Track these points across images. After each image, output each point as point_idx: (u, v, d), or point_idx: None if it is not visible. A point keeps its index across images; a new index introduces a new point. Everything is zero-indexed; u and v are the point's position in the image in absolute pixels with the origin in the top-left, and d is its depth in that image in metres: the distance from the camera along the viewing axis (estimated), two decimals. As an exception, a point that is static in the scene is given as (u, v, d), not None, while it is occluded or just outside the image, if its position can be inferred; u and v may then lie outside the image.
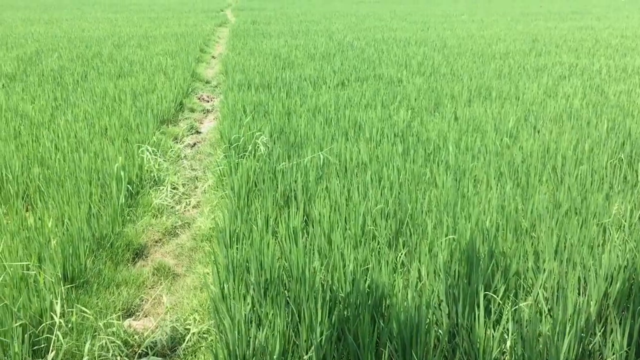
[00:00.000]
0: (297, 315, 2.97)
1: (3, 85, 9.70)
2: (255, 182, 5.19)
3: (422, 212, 4.40)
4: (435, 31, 21.65)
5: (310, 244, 3.78)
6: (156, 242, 4.73)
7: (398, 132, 6.86)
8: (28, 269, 3.55)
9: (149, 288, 4.00)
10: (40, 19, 26.84)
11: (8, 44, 15.79)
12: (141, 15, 30.16)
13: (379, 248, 3.88)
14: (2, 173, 5.34)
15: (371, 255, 3.68)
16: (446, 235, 3.89)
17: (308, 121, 7.34)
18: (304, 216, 4.42)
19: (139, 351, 3.12)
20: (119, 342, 3.11)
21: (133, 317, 3.59)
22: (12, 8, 38.65)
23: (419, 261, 3.65)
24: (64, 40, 16.88)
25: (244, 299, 3.05)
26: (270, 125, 6.97)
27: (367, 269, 3.54)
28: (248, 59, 13.38)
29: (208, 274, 4.06)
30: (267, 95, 9.04)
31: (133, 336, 3.25)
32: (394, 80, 10.67)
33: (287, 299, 3.09)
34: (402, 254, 3.79)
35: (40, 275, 3.24)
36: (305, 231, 4.22)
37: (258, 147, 6.10)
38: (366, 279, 3.32)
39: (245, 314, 2.87)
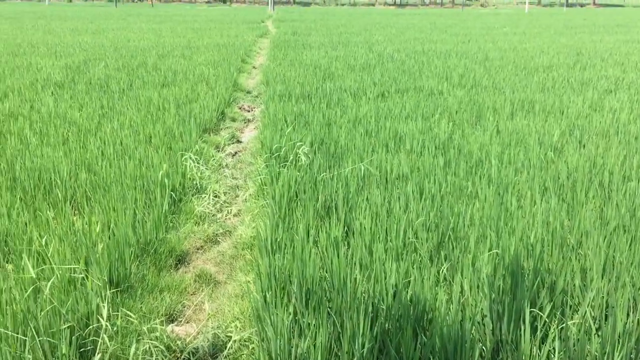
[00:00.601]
0: (339, 326, 2.97)
1: (52, 92, 10.01)
2: (296, 192, 5.21)
3: (464, 225, 4.35)
4: (476, 44, 21.47)
5: (352, 255, 3.78)
6: (198, 249, 4.79)
7: (439, 145, 6.81)
8: (75, 272, 3.64)
9: (191, 294, 4.05)
10: (88, 29, 27.64)
11: (57, 53, 16.31)
12: (184, 26, 30.78)
13: (421, 261, 3.85)
14: (51, 177, 5.49)
15: (413, 268, 3.65)
16: (489, 250, 3.84)
17: (348, 132, 7.35)
18: (344, 227, 4.42)
19: (182, 357, 3.16)
20: (162, 347, 3.15)
21: (175, 323, 3.64)
22: (61, 18, 39.90)
23: (462, 275, 3.61)
24: (111, 50, 17.34)
25: (286, 308, 3.06)
26: (311, 135, 7.01)
27: (409, 281, 3.51)
28: (288, 69, 13.51)
29: (249, 282, 4.09)
30: (307, 106, 9.10)
31: (175, 341, 3.29)
32: (435, 92, 10.61)
33: (329, 309, 3.09)
34: (444, 268, 3.75)
35: (87, 278, 3.32)
36: (346, 242, 4.22)
37: (299, 157, 6.14)
38: (407, 291, 3.30)
39: (287, 324, 2.87)
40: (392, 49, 18.85)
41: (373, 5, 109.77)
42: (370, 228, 4.16)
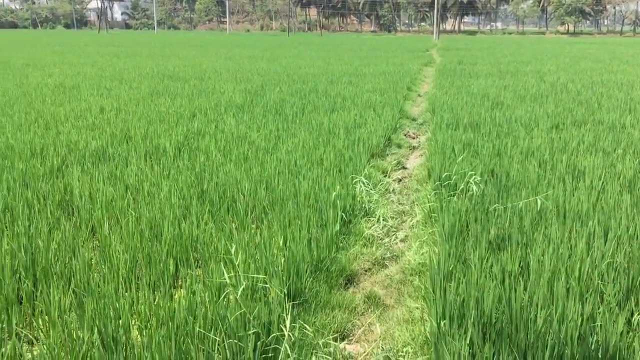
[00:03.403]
0: (520, 363, 2.85)
1: (234, 114, 10.84)
2: (467, 222, 5.11)
3: (658, 272, 3.96)
4: (664, 74, 19.61)
5: (532, 291, 3.61)
6: (366, 271, 4.88)
7: (624, 182, 6.30)
8: (258, 282, 3.88)
9: (360, 315, 4.12)
10: (263, 56, 29.63)
11: (237, 78, 17.68)
12: (351, 54, 31.78)
13: (608, 304, 3.57)
14: (233, 192, 5.94)
15: (598, 311, 3.40)
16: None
17: (520, 164, 7.08)
18: (520, 261, 4.24)
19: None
20: (335, 363, 3.24)
21: (346, 341, 3.72)
22: (239, 46, 43.22)
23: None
24: (284, 76, 18.42)
25: (463, 339, 3.00)
26: (481, 165, 6.85)
27: (594, 326, 3.27)
28: (455, 98, 13.36)
29: (417, 308, 4.07)
30: (476, 135, 8.92)
31: (348, 359, 3.37)
32: (617, 125, 9.85)
33: (511, 345, 2.97)
34: (638, 315, 3.44)
35: (271, 289, 3.53)
36: (521, 277, 4.04)
37: (469, 186, 6.02)
38: (594, 335, 3.07)
39: (464, 355, 2.82)
40: (565, 79, 17.86)
41: (543, 33, 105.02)
42: (550, 265, 3.95)
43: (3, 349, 3.25)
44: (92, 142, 8.12)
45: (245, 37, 75.39)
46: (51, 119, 10.20)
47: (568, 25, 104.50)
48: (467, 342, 2.98)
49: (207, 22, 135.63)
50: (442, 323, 3.24)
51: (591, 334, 3.09)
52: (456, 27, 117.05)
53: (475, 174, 6.28)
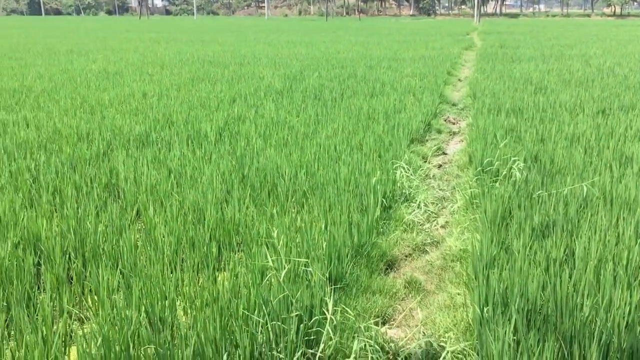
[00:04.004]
0: (566, 351, 2.81)
1: (273, 99, 10.89)
2: (509, 208, 5.04)
3: None
4: None
5: (577, 279, 3.55)
6: (406, 256, 4.87)
7: (676, 169, 6.10)
8: (299, 266, 3.92)
9: (401, 300, 4.12)
10: (302, 41, 29.60)
11: (276, 63, 17.73)
12: (390, 39, 31.47)
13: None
14: (274, 177, 5.98)
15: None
16: None
17: (565, 149, 6.92)
18: (564, 248, 4.17)
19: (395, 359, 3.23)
20: (377, 347, 3.26)
21: (387, 325, 3.73)
22: (278, 31, 43.26)
23: None
24: (323, 61, 18.38)
25: (507, 326, 2.97)
26: (525, 151, 6.73)
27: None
28: (497, 82, 13.11)
29: (459, 294, 4.05)
30: (518, 120, 8.75)
31: (389, 343, 3.38)
32: (668, 110, 9.52)
33: (556, 333, 2.94)
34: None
35: (314, 273, 3.56)
36: (566, 264, 3.97)
37: (512, 172, 5.93)
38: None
39: (509, 342, 2.80)
40: (612, 62, 17.32)
41: (588, 16, 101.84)
42: (596, 253, 3.87)
43: (55, 327, 3.37)
44: (135, 126, 8.28)
45: (284, 22, 75.40)
46: (96, 104, 10.43)
47: (614, 7, 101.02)
48: (512, 328, 2.95)
49: (245, 8, 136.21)
50: (485, 309, 3.22)
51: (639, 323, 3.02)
52: (497, 10, 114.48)
53: (518, 160, 6.18)
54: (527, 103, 10.23)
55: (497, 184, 5.78)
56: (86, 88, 12.58)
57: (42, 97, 11.27)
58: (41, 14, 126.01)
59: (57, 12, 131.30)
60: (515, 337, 2.98)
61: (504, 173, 5.98)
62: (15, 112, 9.62)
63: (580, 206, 5.05)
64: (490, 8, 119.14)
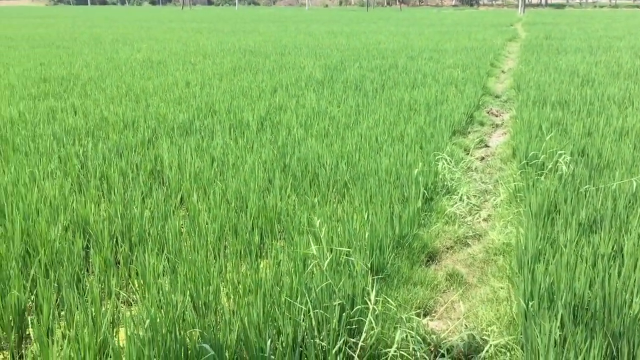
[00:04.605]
0: (614, 349, 2.75)
1: (314, 89, 10.90)
2: (555, 202, 4.94)
3: None
4: None
5: (627, 275, 3.46)
6: (448, 248, 4.83)
7: None
8: (341, 255, 3.93)
9: (442, 292, 4.10)
10: (342, 31, 29.50)
11: (317, 54, 17.72)
12: (431, 30, 31.09)
13: None
14: (315, 166, 6.00)
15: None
16: None
17: (614, 143, 6.74)
18: (613, 244, 4.07)
19: (442, 351, 3.22)
20: (418, 338, 3.25)
21: (428, 317, 3.72)
22: (318, 22, 43.17)
23: None
24: (363, 52, 18.29)
25: (554, 321, 2.92)
26: (571, 144, 6.57)
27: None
28: (542, 74, 12.84)
29: (502, 288, 4.00)
30: (564, 113, 8.56)
31: (431, 335, 3.37)
32: None
33: (604, 329, 2.88)
34: None
35: (357, 263, 3.57)
36: (615, 260, 3.88)
37: (558, 165, 5.81)
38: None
39: (555, 338, 2.75)
40: (665, 54, 16.73)
41: (638, 7, 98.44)
42: (646, 250, 3.77)
43: (104, 308, 3.47)
44: (179, 115, 8.41)
45: (324, 13, 75.21)
46: (141, 92, 10.62)
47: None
48: (558, 324, 2.90)
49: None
50: (530, 304, 3.17)
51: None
52: (543, 1, 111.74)
53: (564, 154, 6.05)
54: (573, 96, 9.99)
55: (543, 178, 5.67)
56: (131, 76, 12.82)
57: (89, 85, 11.55)
58: (87, 4, 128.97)
59: (103, 2, 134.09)
60: (561, 333, 2.93)
61: (549, 166, 5.86)
62: (63, 100, 9.88)
63: (630, 202, 4.92)
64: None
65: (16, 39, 24.90)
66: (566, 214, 4.57)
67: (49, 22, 44.58)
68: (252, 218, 4.69)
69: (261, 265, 4.07)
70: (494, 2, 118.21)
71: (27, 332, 3.46)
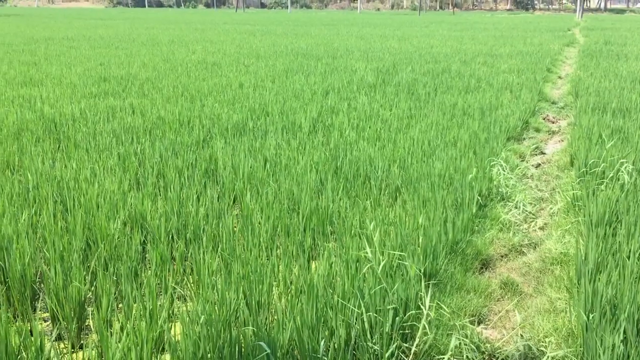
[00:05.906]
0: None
1: (366, 93, 10.88)
2: (617, 212, 4.78)
3: None
4: None
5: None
6: (502, 256, 4.73)
7: None
8: (394, 259, 3.91)
9: (496, 301, 4.02)
10: (394, 35, 29.38)
11: (369, 57, 17.69)
12: (485, 34, 30.60)
13: None
14: (367, 169, 5.97)
15: None
16: None
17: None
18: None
19: (492, 360, 3.16)
20: (472, 346, 3.19)
21: (482, 325, 3.65)
22: (370, 25, 43.07)
23: None
24: (415, 55, 18.15)
25: (617, 335, 2.83)
26: (634, 153, 6.35)
27: None
28: (601, 80, 12.46)
29: (559, 299, 3.89)
30: (625, 121, 8.27)
31: (485, 344, 3.31)
32: None
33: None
34: None
35: (411, 267, 3.54)
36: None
37: (620, 175, 5.61)
38: None
39: (618, 352, 2.66)
40: None
41: None
42: None
43: (160, 303, 3.54)
44: (233, 115, 8.53)
45: (376, 16, 75.00)
46: (196, 93, 10.83)
47: None
48: (621, 337, 2.80)
49: (338, 1, 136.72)
50: (590, 316, 3.07)
51: None
52: (602, 5, 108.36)
53: (626, 162, 5.84)
54: (635, 103, 9.64)
55: (603, 187, 5.49)
56: (187, 77, 13.09)
57: (147, 85, 11.85)
58: (144, 6, 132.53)
59: (159, 5, 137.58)
60: (625, 348, 2.83)
61: (610, 175, 5.68)
62: (122, 99, 10.17)
63: (697, 214, 4.71)
64: (593, 3, 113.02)
65: (77, 40, 25.79)
66: (629, 224, 4.41)
67: (108, 23, 46.01)
68: (304, 219, 4.71)
69: (313, 266, 4.08)
70: (550, 6, 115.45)
71: (87, 323, 3.57)
